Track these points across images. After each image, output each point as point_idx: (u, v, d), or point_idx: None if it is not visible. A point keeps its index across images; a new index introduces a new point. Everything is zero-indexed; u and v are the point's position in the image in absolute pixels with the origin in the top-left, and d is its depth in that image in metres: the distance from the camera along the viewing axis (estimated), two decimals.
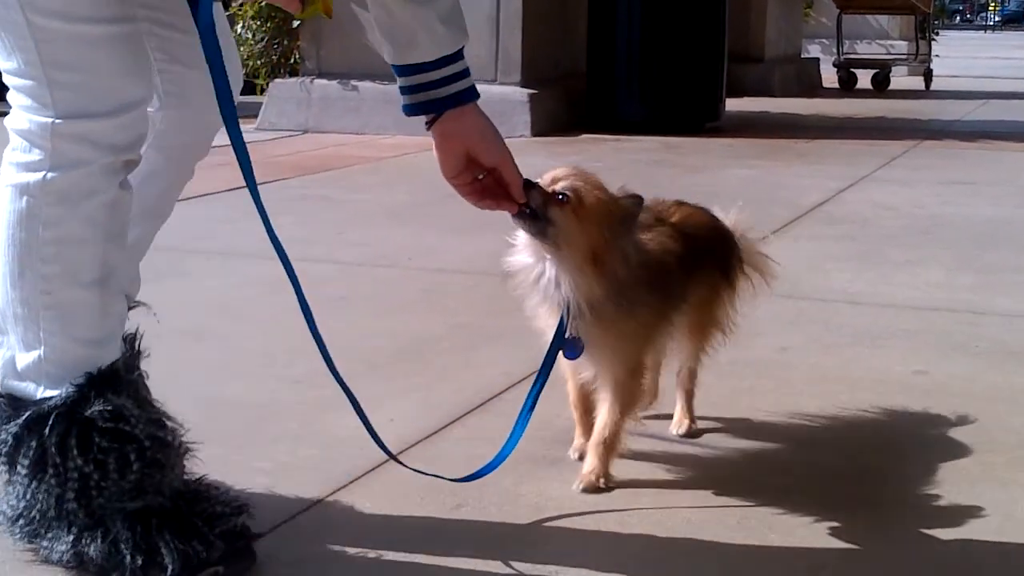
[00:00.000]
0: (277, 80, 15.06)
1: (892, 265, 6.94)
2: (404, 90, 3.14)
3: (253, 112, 14.99)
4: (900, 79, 22.41)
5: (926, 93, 20.93)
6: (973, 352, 5.25)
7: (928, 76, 22.07)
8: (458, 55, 3.05)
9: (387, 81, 13.72)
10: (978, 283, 6.52)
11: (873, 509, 3.62)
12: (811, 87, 20.91)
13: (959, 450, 4.11)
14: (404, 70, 3.09)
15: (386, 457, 3.99)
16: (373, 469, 3.94)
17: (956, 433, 4.27)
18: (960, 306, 6.00)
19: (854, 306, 5.99)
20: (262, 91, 16.14)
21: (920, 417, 4.44)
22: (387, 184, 10.16)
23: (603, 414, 3.58)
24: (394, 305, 6.06)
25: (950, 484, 3.82)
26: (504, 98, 13.31)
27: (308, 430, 4.33)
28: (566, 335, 3.40)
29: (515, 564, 3.21)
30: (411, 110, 3.17)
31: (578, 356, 3.48)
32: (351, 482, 3.85)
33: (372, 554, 3.32)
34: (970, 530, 3.48)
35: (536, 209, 3.25)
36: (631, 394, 3.60)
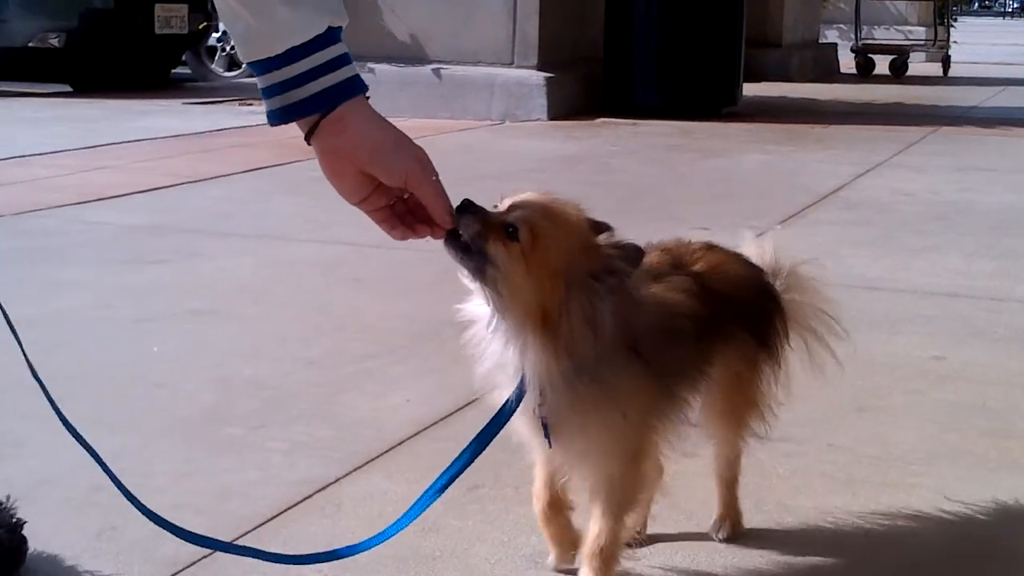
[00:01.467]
0: None
1: (910, 251, 6.91)
2: (263, 92, 2.42)
3: None
4: (918, 65, 22.34)
5: (944, 79, 20.87)
6: (991, 338, 5.22)
7: (946, 62, 21.99)
8: (322, 41, 2.33)
9: (403, 63, 13.73)
10: (997, 269, 6.49)
11: (895, 492, 3.60)
12: (829, 72, 20.86)
13: (976, 436, 4.09)
14: (254, 68, 2.39)
15: (404, 437, 4.01)
16: (390, 449, 3.93)
17: (973, 419, 4.25)
18: (979, 292, 5.97)
19: (871, 291, 5.96)
20: None
21: (937, 403, 4.41)
22: None
23: (595, 517, 2.81)
24: (410, 287, 6.05)
25: (966, 469, 3.80)
26: (521, 82, 13.30)
27: (324, 410, 4.33)
28: (539, 416, 2.65)
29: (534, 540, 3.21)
30: (274, 117, 2.45)
31: (550, 444, 2.71)
32: (367, 462, 3.84)
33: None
34: (989, 515, 3.47)
35: (469, 240, 2.51)
36: (629, 490, 2.84)
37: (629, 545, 2.94)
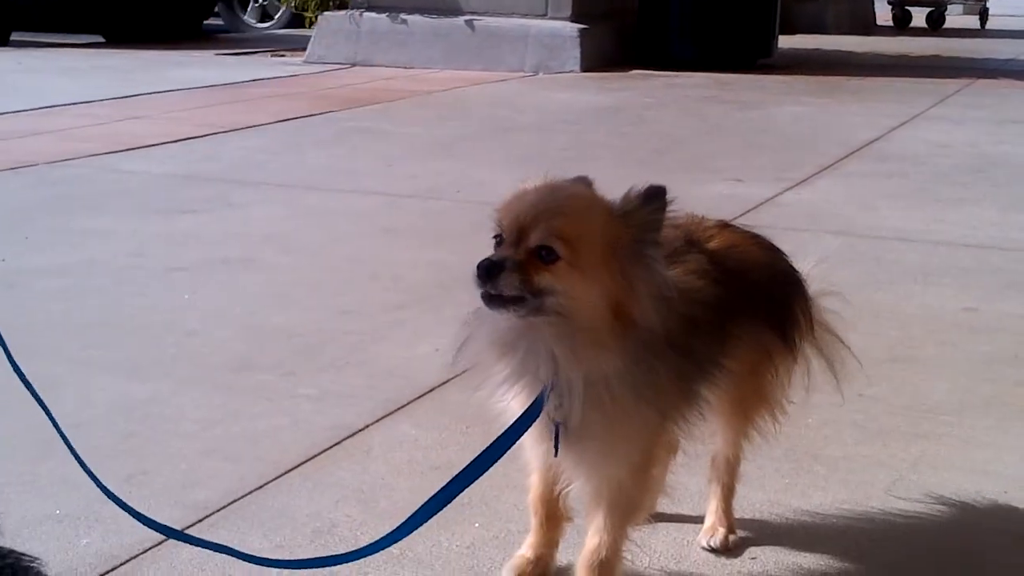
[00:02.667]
0: (326, 13, 15.00)
1: (945, 203, 6.86)
2: None
3: (302, 45, 14.96)
4: (955, 18, 22.11)
5: (981, 32, 20.67)
6: None
7: (984, 15, 21.76)
8: None
9: (436, 15, 13.66)
10: None
11: (925, 442, 3.59)
12: (865, 25, 20.65)
13: (1009, 387, 4.07)
14: None
15: (433, 386, 4.02)
16: (418, 397, 3.94)
17: (1005, 370, 4.23)
18: (1013, 245, 5.92)
19: (906, 243, 5.92)
20: (311, 24, 16.11)
21: (970, 353, 4.39)
22: (436, 118, 10.12)
23: (596, 527, 2.60)
24: (442, 237, 6.04)
25: (997, 420, 3.78)
26: (554, 33, 13.22)
27: (355, 359, 4.33)
28: (549, 421, 2.46)
29: None
30: None
31: (558, 453, 2.51)
32: (397, 410, 3.85)
33: (416, 481, 3.32)
34: (1018, 465, 3.45)
35: (519, 293, 2.29)
36: (636, 497, 2.63)
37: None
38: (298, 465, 3.43)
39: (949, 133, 9.32)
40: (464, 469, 2.48)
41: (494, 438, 2.47)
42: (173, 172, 7.73)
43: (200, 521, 3.10)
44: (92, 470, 2.62)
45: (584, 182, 2.48)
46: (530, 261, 2.29)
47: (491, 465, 2.47)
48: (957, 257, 5.68)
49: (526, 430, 2.44)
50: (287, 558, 2.90)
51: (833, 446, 3.56)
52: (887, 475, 3.37)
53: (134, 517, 2.59)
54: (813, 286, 3.05)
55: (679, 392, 2.52)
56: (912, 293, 5.10)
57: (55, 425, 2.60)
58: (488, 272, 2.27)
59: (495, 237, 2.37)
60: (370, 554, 2.50)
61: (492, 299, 2.29)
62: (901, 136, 9.23)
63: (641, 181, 2.45)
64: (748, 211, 6.47)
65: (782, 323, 2.87)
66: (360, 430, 3.70)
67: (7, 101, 8.86)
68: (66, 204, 6.77)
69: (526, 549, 2.83)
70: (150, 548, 2.96)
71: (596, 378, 2.36)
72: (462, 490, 2.49)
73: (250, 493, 3.26)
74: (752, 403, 2.93)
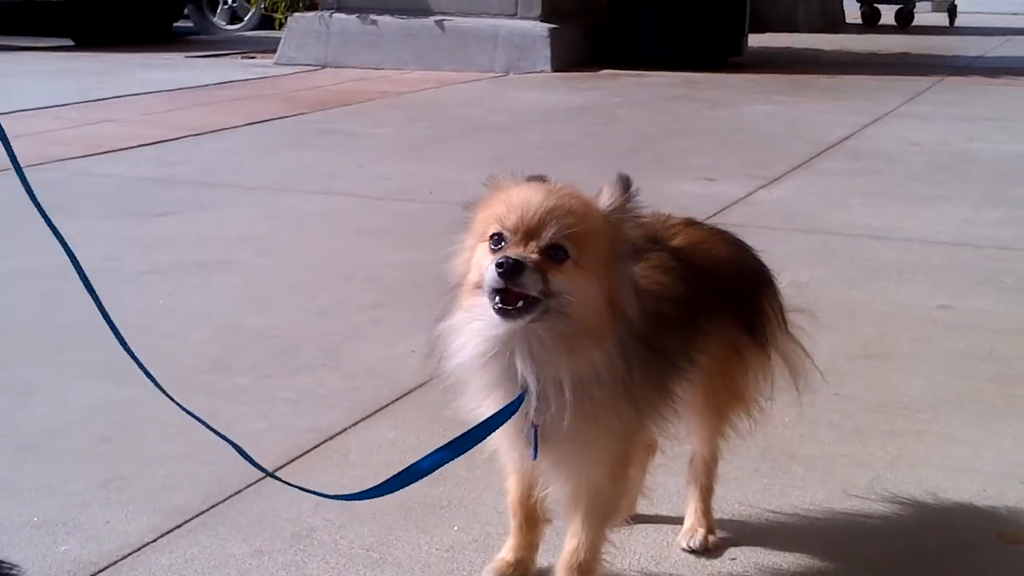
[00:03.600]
0: (296, 14, 14.97)
1: (917, 200, 6.89)
2: None
3: (272, 47, 14.92)
4: (924, 15, 22.24)
5: (950, 29, 20.77)
6: (999, 287, 5.21)
7: (952, 12, 21.87)
8: None
9: (406, 15, 13.65)
10: (1004, 218, 6.46)
11: (902, 439, 3.60)
12: (834, 23, 20.75)
13: (980, 382, 4.10)
14: None
15: (411, 388, 4.01)
16: (396, 400, 3.93)
17: (981, 367, 4.25)
18: (986, 241, 5.95)
19: (879, 240, 5.95)
20: (281, 25, 16.06)
21: (944, 350, 4.41)
22: (407, 118, 10.11)
23: (574, 529, 2.58)
24: (415, 237, 6.04)
25: (973, 416, 3.80)
26: (524, 33, 13.22)
27: (331, 360, 4.33)
28: (527, 423, 2.42)
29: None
30: None
31: (536, 455, 2.48)
32: (375, 412, 3.84)
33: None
34: (995, 461, 3.47)
35: (538, 294, 2.26)
36: (613, 498, 2.61)
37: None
38: (277, 469, 3.41)
39: (920, 130, 9.36)
40: (438, 449, 2.51)
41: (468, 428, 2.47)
42: (146, 175, 7.70)
43: (179, 526, 3.09)
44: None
45: (540, 180, 2.44)
46: (544, 261, 2.27)
47: (465, 451, 2.48)
48: (930, 254, 5.71)
49: (500, 425, 2.41)
50: (267, 563, 2.90)
51: (810, 445, 3.57)
52: (865, 474, 3.38)
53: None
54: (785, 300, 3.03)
55: (653, 388, 2.49)
56: (886, 290, 5.12)
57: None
58: (513, 270, 2.21)
59: (493, 236, 2.31)
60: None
61: (506, 310, 2.24)
62: (872, 134, 9.27)
63: (610, 176, 2.46)
64: (721, 210, 6.48)
65: (751, 319, 2.86)
66: (338, 433, 3.69)
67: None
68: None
69: (506, 552, 2.83)
70: (129, 554, 2.95)
71: (584, 377, 2.33)
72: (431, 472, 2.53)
73: (229, 498, 3.25)
74: (725, 400, 2.90)
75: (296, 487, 2.74)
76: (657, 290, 2.52)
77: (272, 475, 2.83)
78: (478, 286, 2.31)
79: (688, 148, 8.69)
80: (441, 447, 2.48)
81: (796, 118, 10.14)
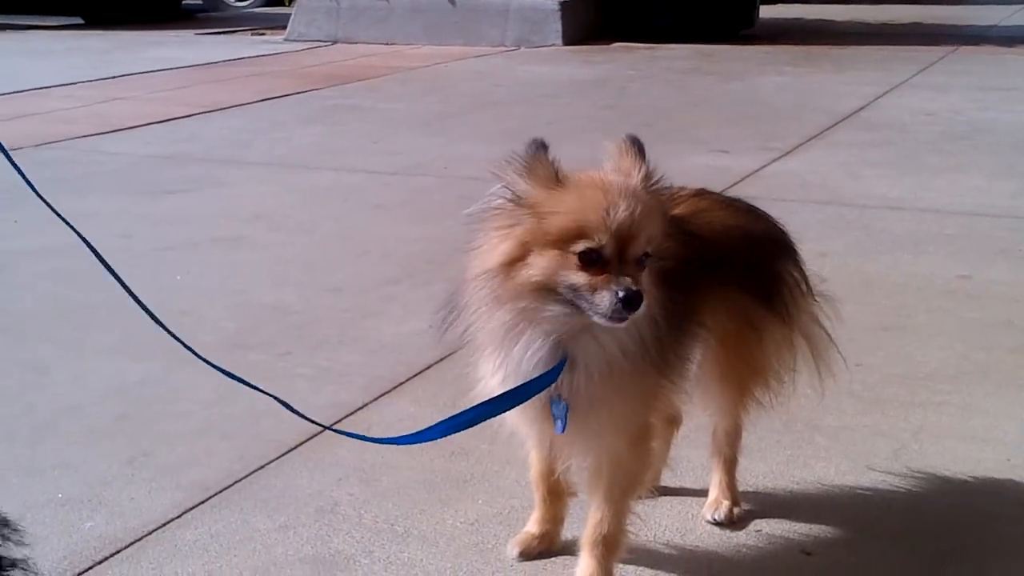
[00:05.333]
0: None
1: (932, 171, 6.86)
2: None
3: (282, 23, 14.89)
4: None
5: None
6: (1015, 256, 5.18)
7: None
8: None
9: None
10: (1019, 188, 6.44)
11: (923, 410, 3.59)
12: None
13: (1001, 353, 4.08)
14: None
15: (428, 364, 4.00)
16: (416, 375, 3.93)
17: (1001, 337, 4.23)
18: (1002, 211, 5.92)
19: (895, 211, 5.93)
20: (290, 2, 16.04)
21: (963, 321, 4.39)
22: (419, 93, 10.08)
23: (598, 502, 2.58)
24: (430, 212, 6.03)
25: (994, 387, 3.79)
26: (536, 7, 13.18)
27: (349, 336, 4.32)
28: (550, 395, 2.38)
29: None
30: None
31: (563, 430, 2.43)
32: (394, 388, 3.84)
33: (417, 459, 3.32)
34: (1017, 431, 3.46)
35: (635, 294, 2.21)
36: (636, 470, 2.59)
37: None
38: (298, 445, 3.41)
39: (934, 101, 9.32)
40: (482, 403, 2.41)
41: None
42: (158, 153, 7.69)
43: (203, 502, 3.09)
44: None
45: (539, 145, 2.31)
46: (636, 273, 2.24)
47: (505, 410, 2.40)
48: (946, 225, 5.68)
49: (541, 390, 2.34)
50: (292, 537, 2.90)
51: (832, 416, 3.56)
52: (888, 444, 3.37)
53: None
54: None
55: (669, 350, 2.46)
56: (903, 262, 5.10)
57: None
58: (635, 303, 2.19)
59: (586, 253, 2.21)
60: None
61: (616, 319, 2.21)
62: (886, 104, 9.23)
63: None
64: (735, 183, 6.46)
65: (765, 288, 2.78)
66: (358, 409, 3.68)
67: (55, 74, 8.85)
68: (53, 186, 6.67)
69: (531, 525, 2.83)
70: (154, 530, 2.95)
71: (619, 352, 2.31)
72: (476, 422, 2.42)
73: (251, 473, 3.25)
74: (743, 373, 2.84)
75: (350, 434, 2.76)
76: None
77: (331, 427, 2.86)
78: (546, 288, 2.24)
79: (701, 121, 8.65)
80: (484, 401, 2.41)
81: (809, 89, 10.10)
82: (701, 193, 2.81)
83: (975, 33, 14.34)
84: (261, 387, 2.60)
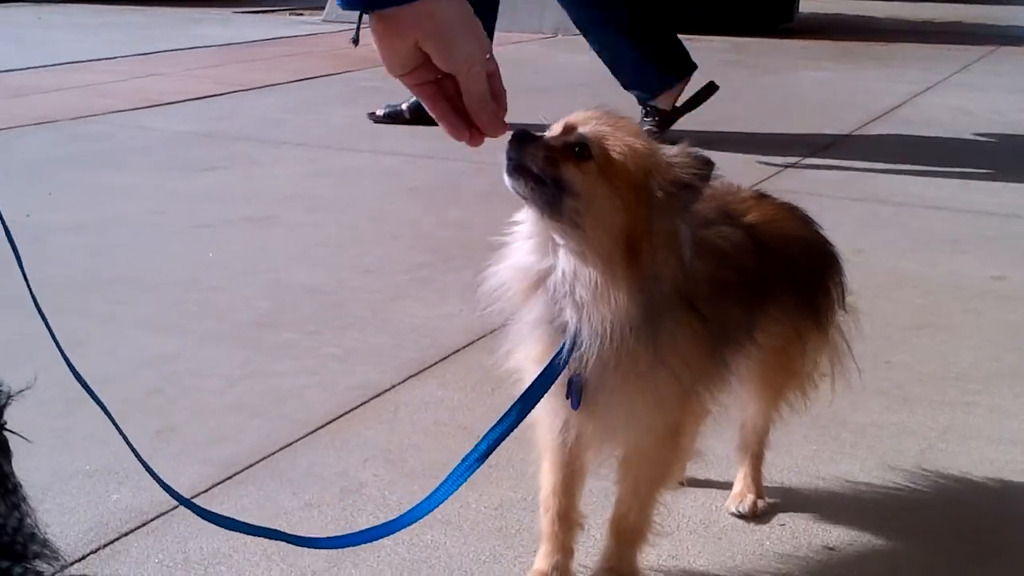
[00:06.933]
0: None
1: (970, 170, 6.81)
2: None
3: (320, 4, 14.90)
4: None
5: None
6: None
7: None
8: None
9: None
10: None
11: (952, 410, 3.57)
12: None
13: None
14: None
15: (458, 347, 4.01)
16: (444, 358, 3.94)
17: None
18: None
19: (931, 210, 5.89)
20: None
21: (996, 322, 4.37)
22: None
23: (625, 490, 2.52)
24: (464, 197, 6.03)
25: (1022, 387, 3.78)
26: None
27: (379, 318, 4.33)
28: (568, 372, 2.26)
29: None
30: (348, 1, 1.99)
31: (577, 405, 2.31)
32: (423, 370, 3.85)
33: (443, 441, 3.33)
34: None
35: (539, 170, 2.16)
36: (665, 465, 2.52)
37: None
38: (325, 424, 3.43)
39: (973, 100, 9.26)
40: (495, 425, 2.24)
41: (516, 397, 2.26)
42: (194, 130, 7.72)
43: (229, 478, 3.10)
44: (120, 425, 2.54)
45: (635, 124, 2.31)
46: (564, 151, 2.17)
47: (523, 418, 2.24)
48: (983, 225, 5.65)
49: (555, 379, 2.23)
50: (316, 516, 2.91)
51: (860, 413, 3.54)
52: (915, 443, 3.36)
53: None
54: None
55: (705, 356, 2.35)
56: (937, 261, 5.07)
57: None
58: (519, 139, 2.16)
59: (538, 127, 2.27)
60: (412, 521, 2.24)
61: (515, 170, 2.17)
62: (924, 102, 9.17)
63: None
64: (770, 176, 6.44)
65: (816, 301, 2.76)
66: (387, 390, 3.69)
67: (28, 56, 8.86)
68: (89, 160, 6.77)
69: (540, 561, 2.61)
70: (180, 505, 2.96)
71: (617, 322, 2.14)
72: (491, 452, 2.23)
73: (278, 451, 3.26)
74: (782, 378, 2.83)
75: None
76: (724, 259, 2.39)
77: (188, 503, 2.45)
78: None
79: (738, 114, 8.61)
80: (509, 409, 2.25)
81: (847, 85, 10.04)
82: (763, 197, 2.76)
83: (1017, 33, 14.22)
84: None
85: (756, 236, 2.54)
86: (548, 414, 2.39)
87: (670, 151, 2.23)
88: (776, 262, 2.59)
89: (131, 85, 9.24)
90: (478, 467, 2.20)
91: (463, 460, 2.21)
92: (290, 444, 3.30)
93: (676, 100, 7.58)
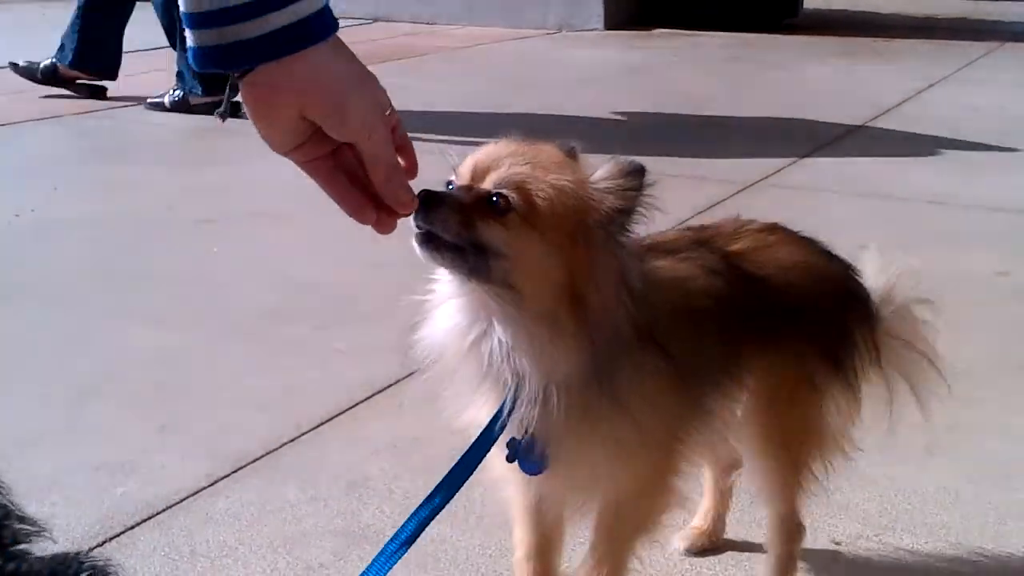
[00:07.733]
0: None
1: (974, 166, 6.81)
2: (188, 20, 1.56)
3: None
4: None
5: None
6: None
7: None
8: None
9: None
10: None
11: (959, 406, 3.57)
12: None
13: None
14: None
15: None
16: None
17: None
18: None
19: (936, 206, 5.89)
20: None
21: (1002, 317, 4.37)
22: (460, 74, 10.08)
23: (598, 540, 2.25)
24: None
25: None
26: None
27: (388, 314, 4.31)
28: (516, 435, 2.02)
29: None
30: (203, 58, 1.57)
31: (539, 470, 2.05)
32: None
33: (448, 436, 3.32)
34: None
35: (454, 237, 1.89)
36: (645, 512, 2.24)
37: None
38: (331, 418, 3.44)
39: (978, 96, 9.25)
40: (415, 512, 2.02)
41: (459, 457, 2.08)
42: (201, 125, 7.71)
43: (235, 471, 3.11)
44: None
45: (552, 143, 2.01)
46: (477, 206, 1.87)
47: (450, 499, 2.02)
48: (988, 220, 5.65)
49: (491, 446, 2.02)
50: (322, 509, 2.92)
51: (865, 408, 3.53)
52: (921, 438, 3.35)
53: None
54: (903, 294, 2.74)
55: (673, 397, 2.09)
56: (943, 257, 5.06)
57: None
58: (426, 203, 1.83)
59: (447, 184, 1.97)
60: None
61: (426, 241, 1.89)
62: (929, 98, 9.17)
63: (634, 152, 2.13)
64: (774, 173, 6.44)
65: (832, 343, 2.42)
66: (391, 384, 3.70)
67: (34, 52, 8.85)
68: (95, 155, 6.78)
69: None
70: (186, 498, 2.97)
71: (561, 380, 1.92)
72: (415, 538, 2.01)
73: (284, 445, 3.28)
74: (797, 439, 2.45)
75: None
76: (685, 283, 2.15)
77: None
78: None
79: (742, 109, 8.61)
80: (428, 497, 2.02)
81: (852, 81, 10.04)
82: (773, 228, 2.46)
83: (1021, 29, 14.21)
84: None
85: (735, 263, 2.28)
86: (514, 472, 2.12)
87: (599, 175, 1.94)
88: (771, 293, 2.31)
89: (138, 80, 9.23)
90: (403, 554, 1.95)
91: (383, 549, 1.96)
92: (296, 438, 3.31)
93: None
